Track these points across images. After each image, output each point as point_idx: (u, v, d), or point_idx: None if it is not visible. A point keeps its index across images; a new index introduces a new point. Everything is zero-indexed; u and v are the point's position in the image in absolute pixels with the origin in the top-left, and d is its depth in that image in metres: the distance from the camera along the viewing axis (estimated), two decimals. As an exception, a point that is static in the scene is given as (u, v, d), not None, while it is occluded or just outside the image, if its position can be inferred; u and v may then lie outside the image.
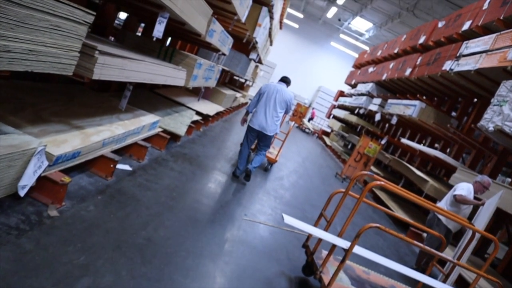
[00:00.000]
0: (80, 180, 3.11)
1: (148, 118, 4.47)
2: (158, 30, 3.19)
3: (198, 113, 7.44)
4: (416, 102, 9.18)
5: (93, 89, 5.25)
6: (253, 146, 5.87)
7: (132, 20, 5.50)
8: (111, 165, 3.36)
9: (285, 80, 5.46)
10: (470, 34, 8.05)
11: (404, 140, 9.41)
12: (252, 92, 22.47)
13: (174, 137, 5.54)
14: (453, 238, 6.39)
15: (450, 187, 7.38)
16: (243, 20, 6.87)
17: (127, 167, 3.84)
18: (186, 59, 4.98)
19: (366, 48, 23.62)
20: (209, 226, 3.44)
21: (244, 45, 10.79)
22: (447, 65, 8.00)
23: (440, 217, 4.93)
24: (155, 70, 3.55)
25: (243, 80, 17.17)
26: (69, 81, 4.83)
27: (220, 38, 5.75)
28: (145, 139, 4.55)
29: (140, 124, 4.09)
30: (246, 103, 18.79)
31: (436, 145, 10.91)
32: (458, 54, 7.73)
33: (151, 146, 4.86)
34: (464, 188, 4.86)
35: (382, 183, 3.07)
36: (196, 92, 9.36)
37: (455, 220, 3.38)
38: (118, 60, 2.71)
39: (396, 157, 11.50)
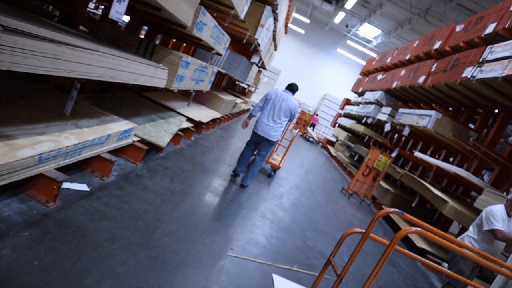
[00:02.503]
0: (5, 207, 2.32)
1: (118, 126, 3.68)
2: (117, 10, 2.41)
3: (190, 119, 6.67)
4: (432, 112, 8.36)
5: (62, 90, 4.48)
6: (255, 152, 5.83)
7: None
8: (54, 187, 2.56)
9: (291, 88, 5.54)
10: (495, 38, 7.24)
11: (419, 154, 8.57)
12: (254, 98, 21.74)
13: (157, 147, 4.75)
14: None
15: (473, 209, 6.53)
16: (241, 16, 6.10)
17: (83, 187, 3.04)
18: (169, 56, 4.20)
19: (374, 55, 22.85)
20: (179, 271, 2.63)
21: (244, 47, 10.04)
22: (468, 72, 7.20)
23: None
24: (119, 65, 2.76)
25: (245, 86, 16.44)
26: (36, 80, 4.08)
27: (213, 34, 4.98)
28: (114, 151, 3.76)
29: (104, 133, 3.30)
30: (248, 109, 18.03)
31: (451, 159, 10.06)
32: (480, 60, 6.92)
33: (125, 159, 4.07)
34: (497, 216, 3.99)
35: (418, 229, 2.25)
36: (194, 97, 8.59)
37: (495, 270, 2.55)
38: (48, 45, 1.93)
39: (406, 171, 10.66)
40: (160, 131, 4.87)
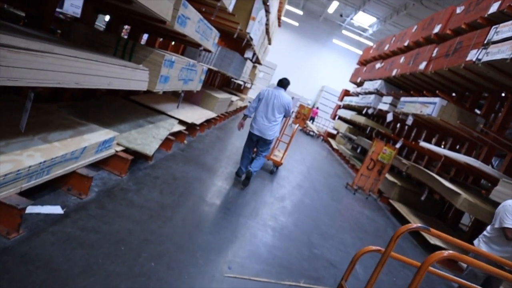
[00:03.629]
0: (-47, 245, 1.96)
1: (97, 136, 3.31)
2: (72, 3, 2.01)
3: (182, 122, 6.29)
4: (436, 99, 7.97)
5: (39, 99, 4.11)
6: (255, 149, 5.79)
7: (88, 10, 4.37)
8: (16, 215, 2.20)
9: (282, 84, 5.47)
10: (499, 18, 6.84)
11: (425, 144, 8.20)
12: (251, 94, 21.32)
13: (145, 155, 4.37)
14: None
15: (488, 201, 6.16)
16: (229, 9, 5.71)
17: (55, 210, 2.68)
18: (151, 56, 3.82)
19: (370, 44, 22.42)
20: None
21: (236, 42, 9.65)
22: (473, 55, 6.82)
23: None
24: (84, 69, 2.39)
25: (240, 82, 16.03)
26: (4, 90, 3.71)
27: (198, 28, 4.59)
28: (95, 163, 3.40)
29: (79, 146, 2.93)
30: (245, 106, 17.64)
31: (457, 147, 9.68)
32: (486, 42, 6.55)
33: (108, 172, 3.70)
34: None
35: (452, 253, 1.88)
36: (185, 98, 8.21)
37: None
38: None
39: (411, 161, 10.29)
40: (148, 137, 4.49)
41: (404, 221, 7.18)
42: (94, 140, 3.17)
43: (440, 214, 8.45)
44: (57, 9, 5.41)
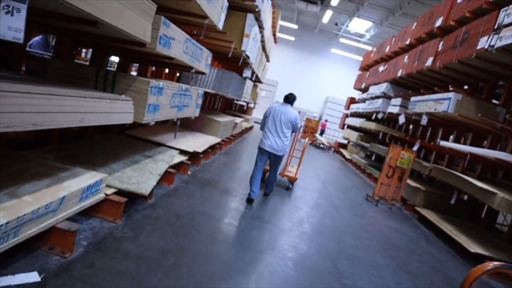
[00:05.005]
0: None
1: (80, 181, 2.88)
2: (11, 26, 1.63)
3: (183, 151, 5.88)
4: (450, 94, 7.47)
5: (19, 146, 3.74)
6: (267, 167, 5.87)
7: (64, 44, 4.03)
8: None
9: (288, 100, 5.51)
10: (506, 0, 6.40)
11: (445, 143, 7.66)
12: (256, 114, 20.99)
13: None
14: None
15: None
16: (219, 26, 5.37)
17: (31, 278, 2.23)
18: (134, 84, 3.43)
19: (369, 48, 22.08)
20: None
21: (232, 62, 9.33)
22: (483, 43, 6.37)
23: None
24: (44, 106, 1.98)
25: (243, 103, 15.71)
26: None
27: (186, 49, 4.22)
28: (85, 211, 2.97)
29: (55, 197, 2.50)
30: (252, 127, 17.27)
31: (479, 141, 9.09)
32: (496, 26, 6.10)
33: (100, 219, 3.26)
34: None
35: (497, 263, 1.34)
36: (186, 125, 7.85)
37: None
38: None
39: (431, 163, 9.71)
40: (144, 174, 4.06)
41: (434, 228, 6.58)
42: (75, 187, 2.74)
43: (472, 216, 7.81)
44: None
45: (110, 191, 3.39)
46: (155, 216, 3.74)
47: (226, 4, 5.47)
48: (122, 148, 4.84)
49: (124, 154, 4.58)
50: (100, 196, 3.14)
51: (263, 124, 5.48)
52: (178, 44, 3.89)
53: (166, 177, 4.84)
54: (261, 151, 5.38)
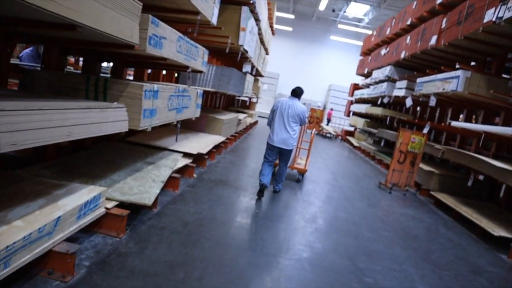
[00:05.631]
0: None
1: (76, 198, 2.70)
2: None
3: (187, 154, 5.70)
4: (458, 72, 7.19)
5: (15, 164, 3.57)
6: (276, 161, 5.71)
7: (52, 53, 3.84)
8: None
9: (295, 94, 5.48)
10: (511, -33, 6.09)
11: (457, 123, 7.39)
12: (260, 109, 20.75)
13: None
14: None
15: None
16: (213, 21, 5.16)
17: (28, 309, 2.06)
18: (127, 90, 3.24)
19: (369, 32, 21.68)
20: None
21: (231, 58, 9.11)
22: (490, 15, 6.10)
23: None
24: (21, 123, 1.80)
25: (245, 99, 15.48)
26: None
27: (180, 48, 4.02)
28: (87, 227, 2.80)
29: (50, 218, 2.32)
30: (256, 122, 17.05)
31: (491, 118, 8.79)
32: (503, -3, 5.81)
33: (103, 235, 3.10)
34: None
35: None
36: (189, 127, 7.66)
37: None
38: None
39: (443, 145, 9.45)
40: (147, 182, 3.89)
41: (452, 213, 6.35)
42: (72, 205, 2.57)
43: (490, 196, 7.55)
44: None
45: (111, 204, 3.22)
46: (161, 226, 3.56)
47: (218, -3, 5.24)
48: (123, 157, 4.67)
49: (125, 162, 4.41)
50: (100, 211, 2.97)
51: (270, 119, 5.43)
52: (170, 44, 3.69)
53: (170, 182, 4.66)
54: (270, 147, 5.36)
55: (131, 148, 5.28)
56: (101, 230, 3.12)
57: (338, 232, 4.49)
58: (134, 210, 3.63)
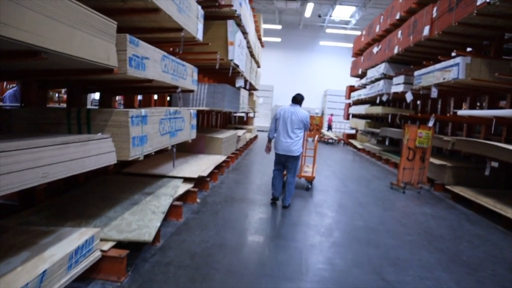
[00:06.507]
0: None
1: (66, 245, 2.41)
2: None
3: (187, 179, 5.41)
4: (458, 60, 6.96)
5: (3, 210, 3.29)
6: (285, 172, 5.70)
7: (31, 89, 3.59)
8: None
9: (296, 101, 5.54)
10: None
11: (464, 112, 7.11)
12: (258, 123, 20.53)
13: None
14: None
15: None
16: (198, 37, 4.93)
17: None
18: (112, 118, 2.97)
19: (358, 33, 21.60)
20: None
21: (222, 74, 8.89)
22: (483, -3, 5.89)
23: None
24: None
25: (242, 114, 15.27)
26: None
27: (166, 68, 3.77)
28: (82, 276, 2.49)
29: (32, 275, 2.02)
30: (256, 137, 16.79)
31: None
32: (495, -24, 5.61)
33: (102, 281, 2.78)
34: None
35: None
36: (187, 149, 7.39)
37: None
38: None
39: (450, 136, 9.17)
40: (146, 215, 3.59)
41: (473, 205, 6.03)
42: (60, 254, 2.27)
43: (508, 183, 7.22)
44: None
45: (107, 245, 2.91)
46: (166, 262, 3.25)
47: (201, 12, 5.03)
48: (120, 190, 4.38)
49: (122, 196, 4.12)
50: (95, 255, 2.67)
51: (273, 128, 5.46)
52: (154, 64, 3.44)
53: (173, 211, 4.36)
54: (277, 156, 5.43)
55: (128, 179, 5.00)
56: (100, 276, 2.81)
57: (357, 243, 4.16)
58: (135, 247, 3.33)
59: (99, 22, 2.41)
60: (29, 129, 3.06)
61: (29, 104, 3.52)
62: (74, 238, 2.53)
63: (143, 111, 3.26)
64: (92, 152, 2.44)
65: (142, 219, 3.48)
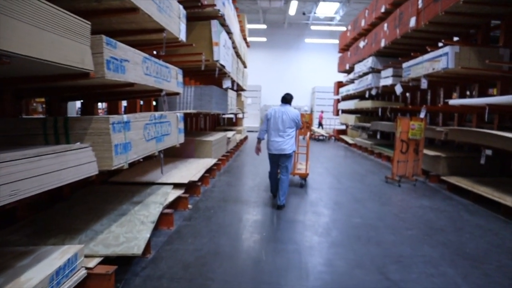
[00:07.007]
0: None
1: (45, 267, 2.21)
2: None
3: (178, 185, 5.23)
4: (446, 49, 6.89)
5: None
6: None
7: (4, 100, 3.38)
8: None
9: (286, 100, 5.54)
10: None
11: (456, 101, 7.03)
12: (247, 123, 20.38)
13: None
14: None
15: None
16: (181, 37, 4.75)
17: None
18: (92, 126, 2.78)
19: (343, 29, 21.57)
20: None
21: (209, 76, 8.71)
22: (468, -16, 5.81)
23: None
24: None
25: (231, 116, 15.09)
26: None
27: (148, 70, 3.59)
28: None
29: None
30: (246, 138, 16.62)
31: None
32: (479, -38, 5.54)
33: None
34: None
35: None
36: (176, 154, 7.18)
37: None
38: None
39: (441, 126, 9.11)
40: (135, 226, 3.40)
41: (470, 195, 5.94)
42: (39, 277, 2.07)
43: (503, 170, 7.16)
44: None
45: (93, 262, 2.72)
46: (159, 275, 3.06)
47: (183, 12, 4.85)
48: (107, 201, 4.18)
49: (109, 207, 3.92)
50: (80, 274, 2.47)
51: (264, 129, 5.45)
52: (135, 66, 3.25)
53: (163, 219, 4.17)
54: (271, 156, 5.45)
55: (116, 189, 4.79)
56: (84, 297, 2.61)
57: (357, 242, 4.02)
58: (125, 261, 3.14)
59: (70, 22, 2.22)
60: (2, 142, 2.85)
61: (3, 115, 3.31)
62: (54, 258, 2.33)
63: (125, 116, 3.07)
64: (70, 164, 2.25)
65: (130, 230, 3.29)
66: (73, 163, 2.29)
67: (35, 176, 1.90)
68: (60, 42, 2.11)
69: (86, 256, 2.72)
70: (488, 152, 7.62)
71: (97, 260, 2.77)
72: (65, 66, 2.18)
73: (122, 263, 3.09)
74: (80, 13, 2.62)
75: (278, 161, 5.42)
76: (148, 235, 3.25)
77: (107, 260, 2.87)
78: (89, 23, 2.44)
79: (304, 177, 6.94)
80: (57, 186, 2.11)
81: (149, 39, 4.53)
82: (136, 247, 2.99)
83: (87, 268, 2.59)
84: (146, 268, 3.19)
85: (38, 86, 3.16)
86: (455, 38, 8.79)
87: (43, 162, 1.99)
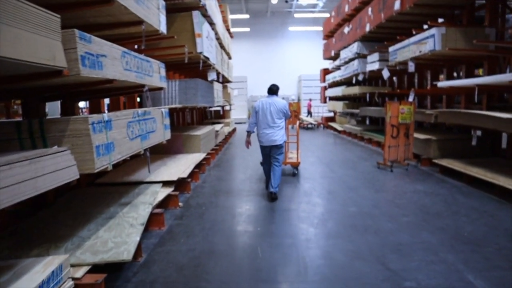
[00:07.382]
0: None
1: (27, 281, 2.06)
2: None
3: (167, 182, 5.07)
4: (433, 31, 6.82)
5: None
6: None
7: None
8: None
9: (272, 91, 5.54)
10: None
11: (444, 83, 6.96)
12: (235, 115, 20.20)
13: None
14: None
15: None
16: (161, 29, 4.55)
17: None
18: (70, 127, 2.60)
19: (327, 15, 21.40)
20: None
21: (193, 69, 8.51)
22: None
23: None
24: None
25: (218, 108, 14.87)
26: None
27: (127, 65, 3.40)
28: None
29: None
30: (234, 130, 16.44)
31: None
32: None
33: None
34: None
35: None
36: (164, 151, 7.01)
37: None
38: None
39: (429, 109, 9.10)
40: (123, 230, 3.24)
41: (463, 177, 5.92)
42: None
43: (494, 151, 7.16)
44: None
45: (81, 271, 2.57)
46: (151, 279, 2.92)
47: (162, 2, 4.64)
48: (94, 204, 4.00)
49: (96, 210, 3.76)
50: (67, 286, 2.32)
51: (253, 122, 5.44)
52: (113, 61, 3.07)
53: (154, 220, 4.03)
54: (262, 148, 5.46)
55: (103, 190, 4.61)
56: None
57: (354, 231, 3.93)
58: (115, 267, 2.99)
59: (36, 16, 2.03)
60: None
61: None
62: (37, 272, 2.17)
63: (105, 115, 2.90)
64: (46, 170, 2.08)
65: (119, 234, 3.14)
66: (50, 169, 2.12)
67: (5, 187, 1.73)
68: (26, 38, 1.92)
69: (73, 266, 2.57)
70: (478, 133, 7.62)
71: (85, 269, 2.61)
72: (34, 64, 2.00)
73: (113, 269, 2.95)
74: (52, 7, 2.43)
75: (270, 152, 5.41)
76: (138, 238, 3.10)
77: (96, 267, 2.72)
78: (59, 16, 2.26)
79: (296, 165, 6.97)
80: (33, 195, 1.94)
81: (128, 32, 4.32)
82: (125, 252, 2.84)
83: (74, 279, 2.44)
84: (138, 272, 3.04)
85: (9, 87, 2.95)
86: (440, 20, 8.71)
87: (15, 170, 1.82)
